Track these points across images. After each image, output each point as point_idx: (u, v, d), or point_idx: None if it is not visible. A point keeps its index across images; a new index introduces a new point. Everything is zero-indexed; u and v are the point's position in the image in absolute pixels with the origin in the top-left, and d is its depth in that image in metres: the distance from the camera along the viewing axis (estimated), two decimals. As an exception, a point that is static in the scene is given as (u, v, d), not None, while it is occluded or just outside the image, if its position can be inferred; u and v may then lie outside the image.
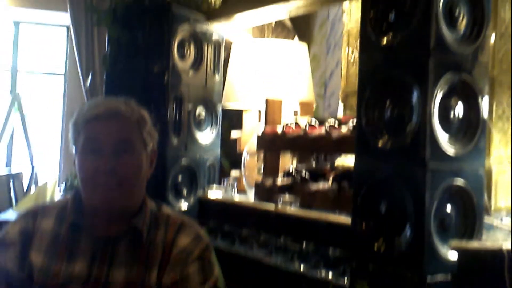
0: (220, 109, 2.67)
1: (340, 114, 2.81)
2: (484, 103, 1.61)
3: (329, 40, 4.39)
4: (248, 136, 2.78)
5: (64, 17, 5.58)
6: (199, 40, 2.58)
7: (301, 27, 4.41)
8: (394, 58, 1.58)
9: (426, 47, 1.51)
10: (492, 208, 1.87)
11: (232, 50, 2.84)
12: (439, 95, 1.51)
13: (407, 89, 1.54)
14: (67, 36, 5.90)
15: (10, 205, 4.36)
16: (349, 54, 2.69)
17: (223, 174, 2.82)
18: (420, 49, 1.52)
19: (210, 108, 2.61)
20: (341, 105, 2.82)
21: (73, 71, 5.61)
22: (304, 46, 2.81)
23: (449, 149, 1.52)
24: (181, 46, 2.52)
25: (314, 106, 2.96)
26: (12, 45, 5.93)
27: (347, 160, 2.28)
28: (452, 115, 1.54)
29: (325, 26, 4.21)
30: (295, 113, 2.69)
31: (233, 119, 3.19)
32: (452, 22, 1.56)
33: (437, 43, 1.51)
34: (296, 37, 4.36)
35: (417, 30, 1.54)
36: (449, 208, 1.54)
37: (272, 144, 2.36)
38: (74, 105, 5.46)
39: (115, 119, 1.48)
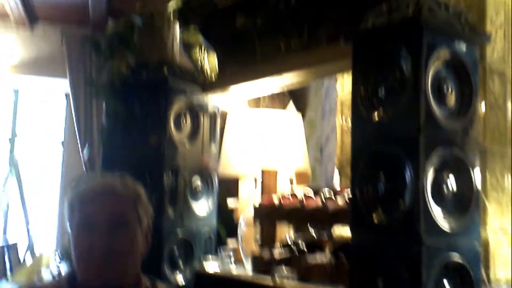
0: (216, 179, 2.68)
1: (336, 179, 2.82)
2: (476, 176, 1.62)
3: (324, 106, 4.44)
4: (244, 205, 2.78)
5: (64, 84, 5.67)
6: (195, 111, 2.62)
7: (296, 92, 4.48)
8: (385, 134, 1.61)
9: (416, 123, 1.54)
10: (491, 279, 1.85)
11: (227, 120, 2.88)
12: (431, 171, 1.52)
13: (399, 164, 1.55)
14: (66, 103, 5.98)
15: (5, 277, 4.29)
16: (343, 123, 2.74)
17: (220, 241, 2.80)
18: (411, 125, 1.55)
19: (207, 178, 2.62)
20: (337, 171, 2.84)
21: (72, 138, 5.65)
22: (298, 115, 2.86)
23: (444, 224, 1.52)
24: (177, 117, 2.56)
25: (310, 174, 2.97)
26: (11, 113, 6.00)
27: (344, 229, 2.28)
28: (445, 190, 1.56)
29: (320, 92, 4.28)
30: (291, 181, 2.70)
31: (230, 186, 3.19)
32: (441, 97, 1.60)
33: (427, 119, 1.55)
34: (291, 102, 4.43)
35: (406, 106, 1.57)
36: (446, 284, 1.53)
37: (269, 216, 2.36)
38: (72, 172, 5.47)
39: (110, 196, 1.49)
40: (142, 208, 1.53)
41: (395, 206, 1.54)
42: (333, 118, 4.21)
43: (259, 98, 4.12)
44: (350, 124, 2.59)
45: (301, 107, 4.26)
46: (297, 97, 4.51)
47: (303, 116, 4.15)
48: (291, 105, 4.31)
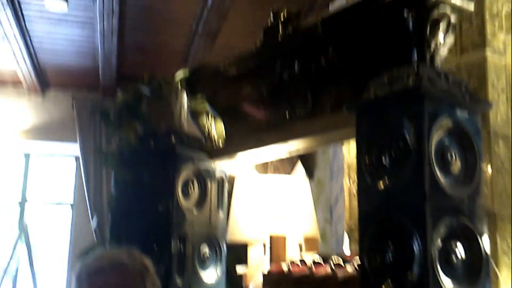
0: (224, 246, 2.66)
1: (346, 241, 2.79)
2: (485, 244, 1.61)
3: (333, 166, 4.45)
4: (253, 271, 2.75)
5: (74, 148, 5.74)
6: (203, 178, 2.63)
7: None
8: (392, 203, 1.61)
9: (421, 192, 1.54)
10: None
11: (235, 185, 2.89)
12: (438, 240, 1.51)
13: (406, 234, 1.54)
14: (76, 165, 6.03)
15: None
16: (350, 185, 2.74)
17: (230, 309, 2.76)
18: (416, 194, 1.55)
19: (215, 245, 2.60)
20: (347, 234, 2.81)
21: (82, 200, 5.67)
22: (306, 180, 2.87)
23: (455, 296, 1.50)
24: (185, 185, 2.57)
25: (319, 239, 2.95)
26: (22, 177, 6.04)
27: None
28: (454, 259, 1.54)
29: (327, 153, 4.30)
30: (300, 247, 2.68)
31: (238, 252, 3.17)
32: (445, 166, 1.61)
33: (432, 188, 1.54)
34: (299, 162, 4.44)
35: (411, 175, 1.57)
36: None
37: (278, 283, 2.33)
38: (81, 236, 5.46)
39: (118, 272, 1.50)
40: (149, 281, 1.53)
41: (404, 277, 1.52)
42: (341, 177, 4.20)
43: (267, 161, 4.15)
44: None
45: (310, 167, 4.26)
46: (305, 157, 4.53)
47: (312, 175, 4.16)
48: (299, 165, 4.33)
